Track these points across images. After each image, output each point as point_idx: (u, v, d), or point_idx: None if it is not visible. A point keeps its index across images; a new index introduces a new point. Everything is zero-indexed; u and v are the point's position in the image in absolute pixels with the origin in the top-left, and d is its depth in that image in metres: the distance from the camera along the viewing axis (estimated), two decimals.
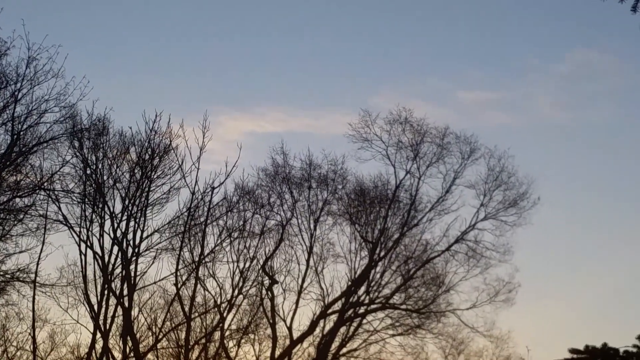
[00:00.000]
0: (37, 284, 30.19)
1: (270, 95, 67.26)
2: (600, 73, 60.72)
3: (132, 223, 31.00)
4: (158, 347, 32.25)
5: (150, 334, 32.23)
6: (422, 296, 33.99)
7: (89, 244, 30.85)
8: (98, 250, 31.04)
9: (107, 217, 31.09)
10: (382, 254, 33.24)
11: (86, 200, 30.94)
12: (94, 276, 31.04)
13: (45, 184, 29.80)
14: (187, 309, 31.22)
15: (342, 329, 33.15)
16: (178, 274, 31.05)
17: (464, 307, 33.04)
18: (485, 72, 62.95)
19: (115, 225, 30.92)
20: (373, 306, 33.39)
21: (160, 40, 64.19)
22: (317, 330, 32.90)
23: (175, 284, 31.08)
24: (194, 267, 31.52)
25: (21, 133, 28.60)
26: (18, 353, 32.16)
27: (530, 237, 42.31)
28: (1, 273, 30.28)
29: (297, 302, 33.12)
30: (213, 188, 30.38)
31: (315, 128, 65.00)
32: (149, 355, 32.08)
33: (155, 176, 31.44)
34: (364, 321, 33.72)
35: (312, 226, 33.25)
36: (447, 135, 33.90)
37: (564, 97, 60.70)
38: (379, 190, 34.33)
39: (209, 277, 32.85)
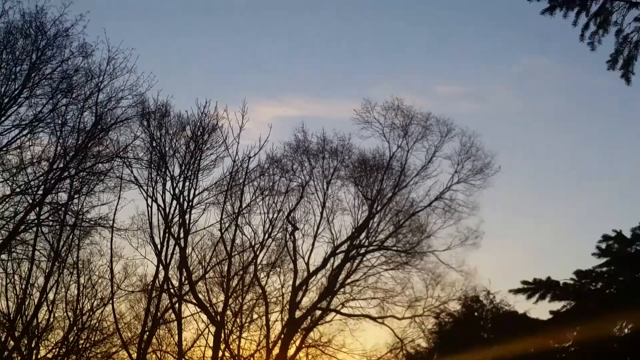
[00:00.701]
0: (114, 229, 31.79)
1: (294, 86, 71.58)
2: (545, 71, 64.91)
3: (187, 183, 33.02)
4: (206, 277, 33.93)
5: (200, 267, 33.83)
6: (409, 240, 35.32)
7: (154, 199, 32.80)
8: (161, 203, 33.03)
9: (168, 178, 32.99)
10: (379, 208, 34.88)
11: (152, 165, 33.01)
12: (158, 223, 32.82)
13: (121, 153, 31.59)
14: (228, 248, 32.82)
15: (347, 265, 34.55)
16: (222, 222, 33.00)
17: (441, 249, 34.50)
18: (458, 71, 67.69)
19: (174, 184, 32.89)
20: (371, 248, 34.94)
21: (209, 39, 67.68)
22: (328, 265, 34.51)
23: (220, 230, 33.20)
24: (234, 217, 33.30)
25: (103, 115, 30.10)
26: (100, 281, 33.65)
27: (493, 196, 44.18)
28: (87, 220, 31.72)
29: (312, 244, 34.85)
30: (249, 157, 32.82)
31: (328, 113, 68.24)
32: (199, 283, 33.40)
33: (205, 148, 33.42)
34: (364, 259, 35.10)
35: (325, 187, 35.11)
36: (429, 119, 35.36)
37: (519, 90, 65.17)
38: (376, 160, 35.92)
39: (245, 224, 34.41)
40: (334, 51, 69.25)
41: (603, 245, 17.75)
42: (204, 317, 33.65)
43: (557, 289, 18.03)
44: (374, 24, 69.96)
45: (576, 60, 60.04)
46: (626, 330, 16.98)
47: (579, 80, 66.12)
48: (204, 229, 33.98)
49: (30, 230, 29.80)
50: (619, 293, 17.50)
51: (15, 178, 29.10)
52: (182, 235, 32.66)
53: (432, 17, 67.92)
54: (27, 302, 31.00)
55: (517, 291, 18.53)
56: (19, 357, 31.22)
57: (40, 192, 28.86)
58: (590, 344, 17.25)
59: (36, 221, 29.45)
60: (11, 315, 30.63)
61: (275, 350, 33.54)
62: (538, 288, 18.12)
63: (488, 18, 65.95)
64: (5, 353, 30.20)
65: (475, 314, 22.56)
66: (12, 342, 30.38)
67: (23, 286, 30.96)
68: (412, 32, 68.59)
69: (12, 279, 31.63)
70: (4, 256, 30.08)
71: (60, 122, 29.64)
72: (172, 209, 33.00)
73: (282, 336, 33.62)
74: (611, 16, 13.84)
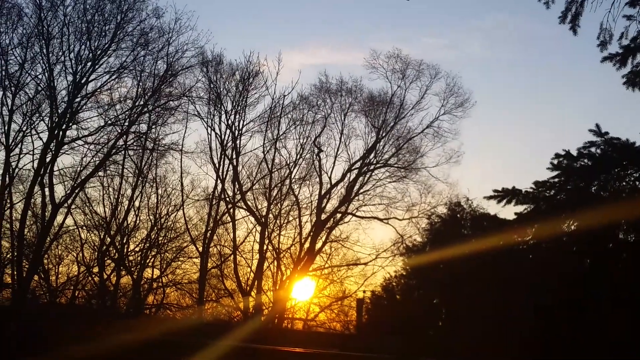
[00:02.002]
0: (182, 152, 32.20)
1: (319, 40, 68.56)
2: (509, 25, 64.56)
3: (237, 116, 33.21)
4: (253, 188, 34.08)
5: (248, 181, 33.95)
6: (406, 159, 34.95)
7: (212, 128, 33.17)
8: (218, 132, 33.20)
9: (222, 112, 33.12)
10: (383, 134, 34.32)
11: (210, 102, 33.09)
12: (215, 147, 33.17)
13: (187, 93, 31.50)
14: (269, 166, 33.35)
15: (360, 178, 34.46)
16: (264, 146, 33.28)
17: (431, 166, 34.03)
18: (441, 26, 66.10)
19: (227, 117, 33.08)
20: (378, 165, 34.67)
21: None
22: (345, 179, 34.37)
23: (263, 152, 33.39)
24: (273, 142, 33.35)
25: (172, 63, 29.98)
26: (173, 192, 34.00)
27: (471, 123, 45.18)
28: (162, 145, 32.07)
29: (334, 163, 34.55)
30: (284, 95, 32.74)
31: (345, 60, 68.01)
32: (248, 193, 33.82)
33: (250, 88, 33.14)
34: (373, 174, 34.81)
35: (342, 118, 34.52)
36: (421, 64, 34.38)
37: (488, 41, 63.90)
38: (381, 97, 35.07)
39: (282, 147, 34.12)
40: (349, 13, 67.12)
41: (555, 162, 17.94)
42: (252, 219, 34.09)
43: (520, 195, 18.23)
44: None
45: (534, 16, 59.66)
46: (572, 227, 17.22)
47: (536, 31, 64.39)
48: (251, 151, 34.08)
49: (120, 153, 30.52)
50: (567, 199, 17.78)
51: (107, 113, 29.67)
52: (234, 156, 33.10)
53: None
54: (118, 209, 32.23)
55: (489, 197, 18.51)
56: (114, 250, 32.91)
57: (126, 123, 29.54)
58: (545, 238, 17.69)
59: (124, 146, 30.28)
60: (107, 219, 31.95)
61: (306, 245, 33.91)
62: (505, 195, 18.29)
63: None
64: (104, 247, 31.84)
65: (458, 215, 22.54)
66: (108, 239, 32.09)
67: (115, 196, 32.22)
68: None
69: (107, 191, 32.63)
70: (100, 173, 30.65)
71: (139, 69, 29.58)
72: (226, 136, 33.49)
73: (311, 233, 33.89)
74: None
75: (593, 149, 17.71)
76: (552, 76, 62.35)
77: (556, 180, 18.24)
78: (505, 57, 63.46)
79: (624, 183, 17.81)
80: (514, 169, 55.10)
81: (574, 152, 17.65)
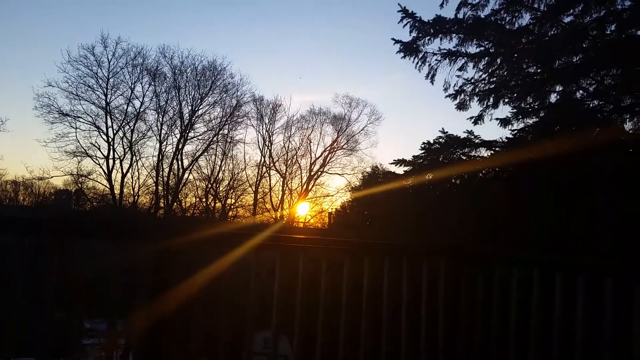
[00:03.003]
0: (244, 142, 36.73)
1: (304, 84, 55.92)
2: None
3: (270, 125, 37.25)
4: (278, 160, 37.56)
5: (276, 156, 36.93)
6: (351, 145, 38.15)
7: (258, 131, 36.81)
8: (261, 133, 36.88)
9: (263, 123, 37.17)
10: (341, 134, 37.83)
11: (257, 118, 37.82)
12: (258, 140, 36.65)
13: (246, 115, 36.14)
14: (287, 149, 36.96)
15: (329, 155, 37.60)
16: (284, 139, 37.02)
17: (364, 148, 40.31)
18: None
19: (265, 126, 36.90)
20: (338, 148, 37.98)
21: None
22: (322, 155, 37.78)
23: (283, 141, 37.17)
24: (288, 137, 37.35)
25: (238, 100, 35.43)
26: (240, 162, 36.49)
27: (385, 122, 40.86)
28: (234, 140, 36.23)
29: (317, 147, 37.97)
30: (293, 116, 39.81)
31: (321, 96, 60.62)
32: (276, 163, 36.76)
33: (277, 111, 37.16)
34: (336, 153, 37.96)
35: (320, 126, 38.13)
36: (359, 100, 38.15)
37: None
38: (340, 115, 38.46)
39: (291, 140, 37.66)
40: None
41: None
42: (279, 175, 36.68)
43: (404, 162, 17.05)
44: None
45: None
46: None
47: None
48: (277, 142, 37.37)
49: (213, 144, 34.63)
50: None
51: (207, 124, 34.52)
52: (269, 143, 37.10)
53: None
54: (214, 170, 35.23)
55: (391, 164, 15.48)
56: (212, 190, 34.72)
57: (217, 129, 34.64)
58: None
59: (216, 140, 34.93)
60: (208, 176, 34.88)
61: (304, 187, 36.93)
62: (398, 162, 21.42)
63: None
64: (208, 188, 34.72)
65: (375, 172, 26.13)
66: (209, 185, 34.68)
67: (212, 165, 34.87)
68: None
69: (208, 162, 35.27)
70: (205, 153, 34.75)
71: (223, 102, 34.74)
72: (265, 135, 36.89)
73: (306, 181, 36.63)
74: None
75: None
76: None
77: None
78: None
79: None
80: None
81: None
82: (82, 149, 32.08)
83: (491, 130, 47.88)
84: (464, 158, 12.44)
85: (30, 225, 2.39)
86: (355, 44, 48.45)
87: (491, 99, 12.70)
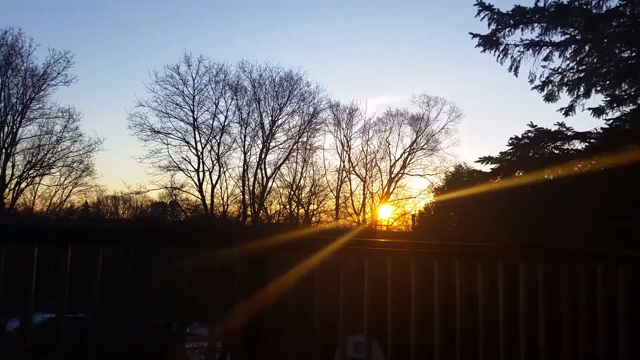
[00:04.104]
0: (323, 148, 38.37)
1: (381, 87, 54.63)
2: None
3: (347, 130, 37.75)
4: (358, 164, 36.88)
5: (355, 160, 36.96)
6: (431, 145, 37.26)
7: (337, 136, 36.90)
8: (339, 138, 37.92)
9: (341, 128, 37.75)
10: (420, 134, 36.89)
11: (335, 124, 39.87)
12: (337, 145, 36.89)
13: (324, 122, 37.26)
14: (365, 152, 36.87)
15: (409, 156, 37.08)
16: (362, 143, 37.53)
17: (445, 147, 36.46)
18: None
19: (343, 131, 37.30)
20: (418, 149, 37.16)
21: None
22: (402, 156, 37.13)
23: (361, 145, 37.26)
24: (366, 140, 38.15)
25: (316, 107, 35.96)
26: (320, 168, 36.52)
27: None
28: (313, 146, 36.42)
29: (395, 148, 37.30)
30: (370, 119, 39.28)
31: (398, 97, 60.54)
32: (355, 167, 37.16)
33: (354, 116, 39.94)
34: (416, 153, 37.43)
35: (399, 128, 37.32)
36: (437, 98, 36.89)
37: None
38: (418, 115, 37.26)
39: (369, 143, 38.35)
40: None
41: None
42: (359, 179, 36.65)
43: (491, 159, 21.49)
44: None
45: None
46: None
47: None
48: (356, 146, 37.23)
49: (294, 152, 35.21)
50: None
51: (287, 133, 35.28)
52: (347, 148, 36.76)
53: None
54: (296, 177, 35.49)
55: (477, 161, 15.26)
56: (295, 197, 35.25)
57: (297, 137, 35.32)
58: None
59: (296, 148, 36.01)
60: (290, 182, 35.32)
61: (385, 190, 36.31)
62: (484, 160, 22.62)
63: None
64: (290, 195, 35.28)
65: (459, 171, 26.08)
66: (292, 192, 35.11)
67: (294, 172, 35.48)
68: None
69: (290, 169, 35.59)
70: (286, 161, 35.56)
71: (301, 111, 35.56)
72: (343, 139, 36.81)
73: (387, 183, 36.96)
74: None
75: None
76: None
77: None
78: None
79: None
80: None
81: None
82: (175, 163, 33.80)
83: (584, 121, 44.41)
84: (557, 152, 11.93)
85: (133, 237, 2.56)
86: (426, 43, 47.17)
87: (582, 88, 12.34)
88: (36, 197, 32.16)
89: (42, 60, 38.61)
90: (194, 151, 34.24)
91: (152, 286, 2.52)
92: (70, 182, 32.55)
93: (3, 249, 2.33)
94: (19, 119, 30.64)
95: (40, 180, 31.93)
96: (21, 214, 31.06)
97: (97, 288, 2.39)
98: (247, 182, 34.67)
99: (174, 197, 34.94)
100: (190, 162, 34.16)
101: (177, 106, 34.01)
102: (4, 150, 30.10)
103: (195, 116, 34.32)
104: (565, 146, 12.02)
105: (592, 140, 11.64)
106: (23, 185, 31.29)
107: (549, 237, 9.57)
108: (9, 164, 30.61)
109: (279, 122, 35.54)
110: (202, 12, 43.45)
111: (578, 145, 11.82)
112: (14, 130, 30.55)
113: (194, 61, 35.38)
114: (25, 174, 31.28)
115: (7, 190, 30.78)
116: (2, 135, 30.12)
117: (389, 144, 37.52)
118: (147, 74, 40.78)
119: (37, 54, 34.24)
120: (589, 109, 12.31)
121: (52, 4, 41.32)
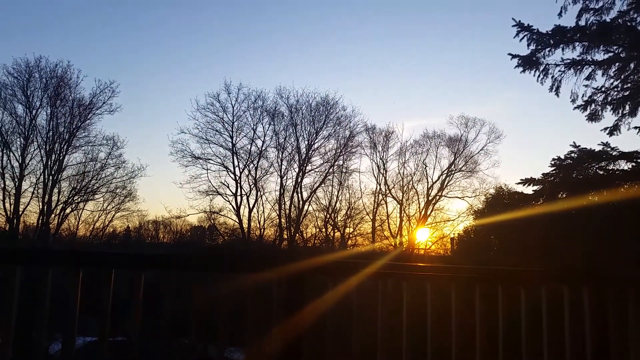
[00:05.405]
0: (359, 172, 38.42)
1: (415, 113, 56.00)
2: None
3: (384, 153, 38.62)
4: (394, 187, 37.52)
5: (391, 182, 36.75)
6: (470, 167, 36.60)
7: (373, 159, 37.25)
8: (376, 161, 36.79)
9: (377, 151, 39.05)
10: (458, 155, 36.38)
11: (371, 147, 40.81)
12: (372, 168, 36.71)
13: (360, 144, 39.53)
14: (401, 174, 37.31)
15: (447, 178, 36.51)
16: (398, 166, 36.64)
17: (484, 169, 35.86)
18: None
19: (379, 155, 38.14)
20: (455, 171, 36.78)
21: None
22: (440, 178, 36.69)
23: (398, 167, 36.31)
24: (402, 163, 37.85)
25: (352, 130, 36.43)
26: (356, 191, 36.76)
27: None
28: (349, 170, 36.31)
29: (433, 171, 36.70)
30: (406, 141, 39.78)
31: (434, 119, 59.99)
32: (392, 190, 36.44)
33: (390, 139, 38.19)
34: (454, 175, 36.88)
35: (436, 150, 36.66)
36: (475, 119, 36.41)
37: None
38: (455, 137, 36.70)
39: (405, 165, 38.37)
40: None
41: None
42: (395, 202, 36.21)
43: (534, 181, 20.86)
44: None
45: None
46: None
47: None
48: (392, 169, 36.89)
49: (330, 175, 36.07)
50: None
51: (323, 157, 35.57)
52: (383, 171, 39.86)
53: None
54: (332, 201, 36.60)
55: (518, 183, 17.86)
56: (332, 220, 35.17)
57: (333, 160, 35.59)
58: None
59: (332, 172, 36.34)
60: (326, 206, 35.66)
61: (422, 212, 36.06)
62: (526, 182, 22.92)
63: None
64: (326, 219, 36.20)
65: (500, 193, 24.65)
66: (328, 215, 35.08)
67: (329, 196, 36.08)
68: None
69: (326, 193, 35.86)
70: (322, 185, 36.37)
71: (337, 135, 35.67)
72: (380, 162, 36.52)
73: (424, 206, 36.14)
74: None
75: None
76: None
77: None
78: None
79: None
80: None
81: None
82: (214, 188, 34.35)
83: (630, 141, 42.27)
84: (601, 172, 11.69)
85: (175, 261, 2.62)
86: (464, 64, 47.01)
87: (627, 107, 12.05)
88: (80, 222, 33.38)
89: (88, 90, 40.49)
90: (232, 176, 34.94)
91: (191, 310, 2.55)
92: (113, 208, 33.59)
93: (50, 273, 2.41)
94: (65, 147, 31.71)
95: (85, 205, 33.11)
96: (64, 239, 32.01)
97: (139, 312, 2.43)
98: (283, 206, 35.17)
99: (212, 221, 35.54)
100: (228, 187, 34.87)
101: (216, 132, 34.93)
102: (51, 177, 31.15)
103: (234, 142, 35.18)
104: (610, 166, 11.68)
105: (638, 160, 11.26)
106: (68, 210, 32.36)
107: (594, 261, 9.28)
108: (55, 190, 31.56)
109: (315, 145, 36.03)
110: (243, 40, 45.40)
111: (624, 165, 11.63)
112: (61, 158, 31.59)
113: (234, 89, 36.22)
114: (70, 200, 32.28)
115: (52, 215, 31.56)
116: (49, 162, 31.20)
117: (426, 166, 37.34)
118: (188, 102, 41.91)
119: (84, 84, 35.11)
120: (635, 127, 11.99)
121: (98, 35, 43.58)
